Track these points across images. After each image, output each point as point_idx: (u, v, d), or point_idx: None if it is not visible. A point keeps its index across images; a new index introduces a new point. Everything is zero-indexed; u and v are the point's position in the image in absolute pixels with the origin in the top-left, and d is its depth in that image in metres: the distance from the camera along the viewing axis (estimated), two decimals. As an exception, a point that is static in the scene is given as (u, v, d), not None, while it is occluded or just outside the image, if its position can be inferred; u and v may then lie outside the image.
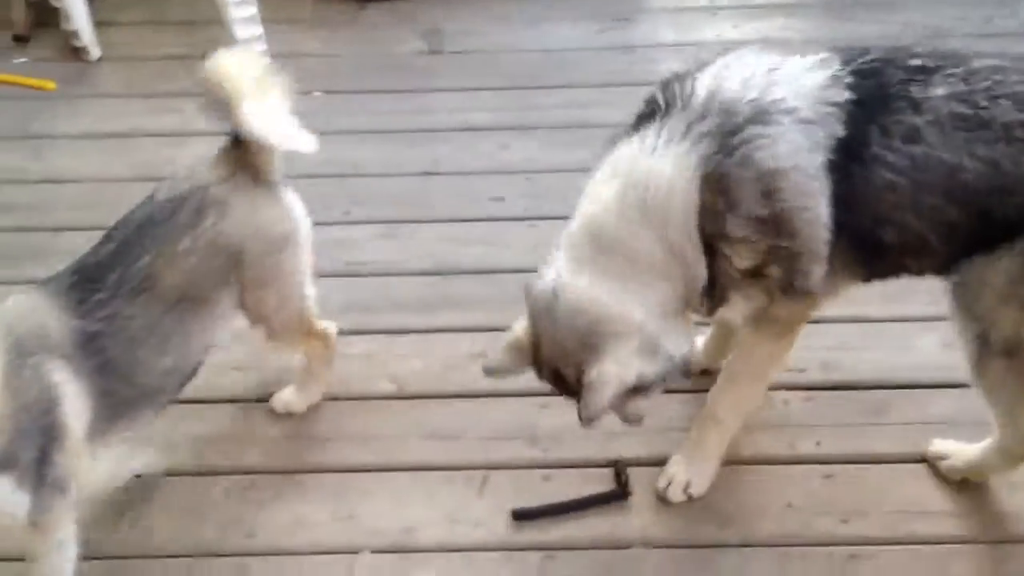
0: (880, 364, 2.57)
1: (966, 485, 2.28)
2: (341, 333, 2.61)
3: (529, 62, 3.77)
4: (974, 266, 1.94)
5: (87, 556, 2.08)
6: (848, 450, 2.38)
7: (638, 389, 1.94)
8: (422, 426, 2.48)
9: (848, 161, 1.88)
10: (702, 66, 1.96)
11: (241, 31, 3.65)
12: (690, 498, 2.29)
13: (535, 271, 2.80)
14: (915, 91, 1.87)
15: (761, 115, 1.86)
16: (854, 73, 1.90)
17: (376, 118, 3.52)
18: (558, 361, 1.97)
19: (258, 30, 3.69)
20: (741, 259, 1.91)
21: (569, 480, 2.32)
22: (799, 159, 1.87)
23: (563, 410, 2.44)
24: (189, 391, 2.46)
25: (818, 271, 1.95)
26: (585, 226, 1.95)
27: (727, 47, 2.01)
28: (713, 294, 1.97)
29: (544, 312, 1.96)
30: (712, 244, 1.90)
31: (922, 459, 2.34)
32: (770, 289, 1.97)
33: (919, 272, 2.04)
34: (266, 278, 2.20)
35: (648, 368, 1.92)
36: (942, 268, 1.99)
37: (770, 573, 2.16)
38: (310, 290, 2.34)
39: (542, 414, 2.48)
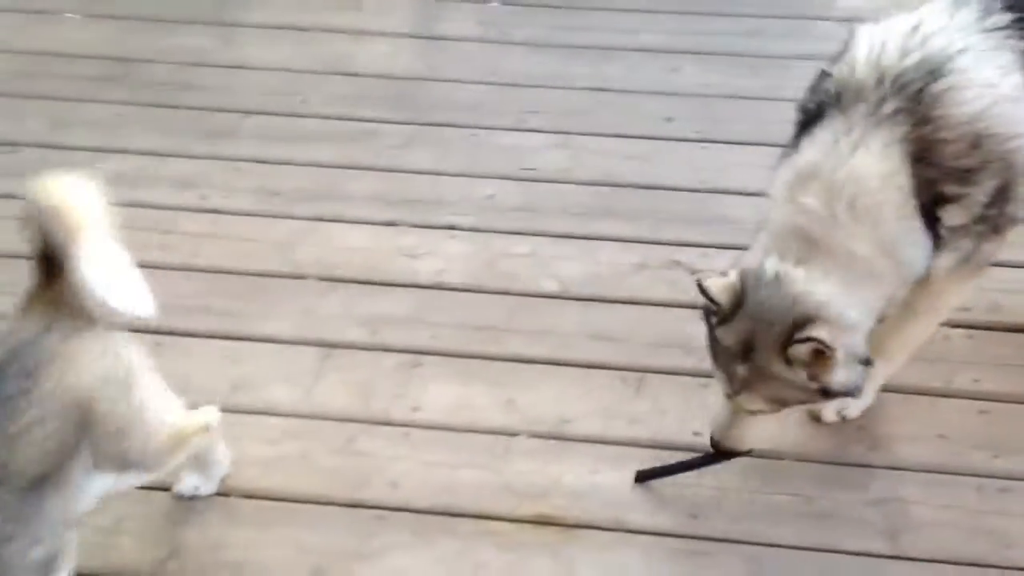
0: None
1: None
2: (508, 232, 2.74)
3: None
4: None
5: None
6: (1006, 388, 2.39)
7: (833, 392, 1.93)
8: (583, 326, 2.57)
9: None
10: (843, 56, 1.94)
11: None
12: (843, 420, 2.34)
13: (701, 191, 2.93)
14: None
15: (937, 70, 1.83)
16: None
17: (551, 32, 3.59)
18: (756, 339, 1.91)
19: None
20: (957, 217, 1.89)
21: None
22: (993, 93, 1.85)
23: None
24: (365, 272, 2.64)
25: None
26: (793, 233, 1.90)
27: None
28: None
29: (760, 291, 1.90)
30: (930, 215, 1.87)
31: None
32: (982, 233, 1.95)
33: None
34: (125, 425, 1.82)
35: (848, 375, 1.90)
36: None
37: (917, 497, 2.20)
38: (167, 403, 1.94)
39: (699, 326, 2.53)
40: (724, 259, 2.68)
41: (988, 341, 2.50)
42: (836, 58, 1.96)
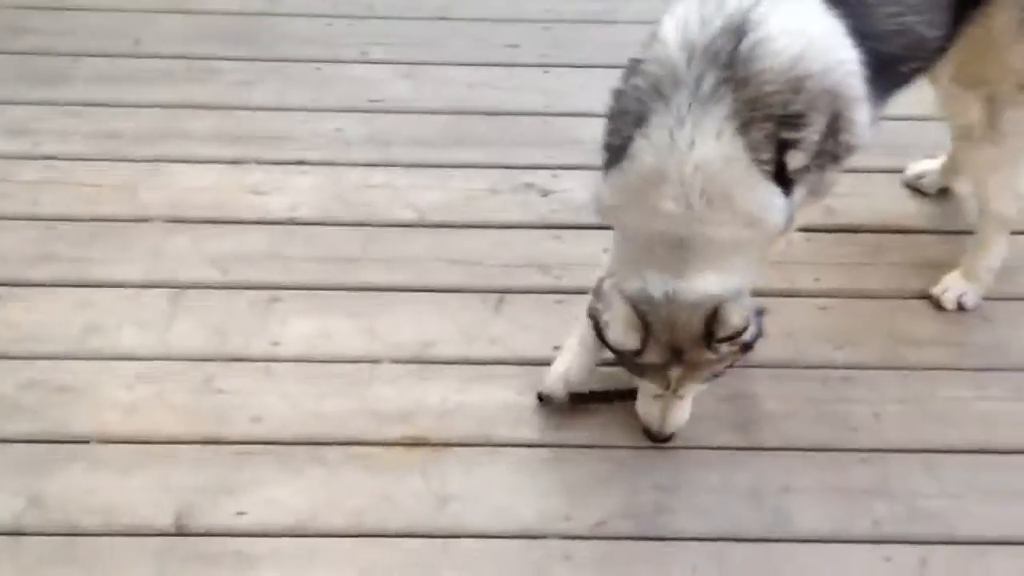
0: (879, 211, 2.69)
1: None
2: (360, 165, 2.74)
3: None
4: (971, 38, 2.08)
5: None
6: (843, 285, 2.52)
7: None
8: (441, 252, 2.59)
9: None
10: (651, 45, 1.93)
11: None
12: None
13: (548, 114, 2.97)
14: None
15: (740, 29, 1.84)
16: None
17: (390, -38, 3.54)
18: (681, 347, 1.98)
19: None
20: (799, 159, 1.94)
21: (582, 304, 2.44)
22: (801, 36, 1.88)
23: (574, 241, 2.60)
24: (213, 212, 2.59)
25: (864, 117, 2.01)
26: (660, 242, 1.92)
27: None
28: None
29: (660, 312, 1.94)
30: (778, 167, 1.92)
31: (913, 296, 2.49)
32: (823, 165, 2.02)
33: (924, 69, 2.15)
34: None
35: (754, 328, 2.01)
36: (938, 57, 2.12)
37: (767, 391, 2.31)
38: None
39: (555, 244, 2.61)
40: (573, 179, 2.75)
41: (825, 243, 2.61)
42: (645, 48, 1.95)
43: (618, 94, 1.98)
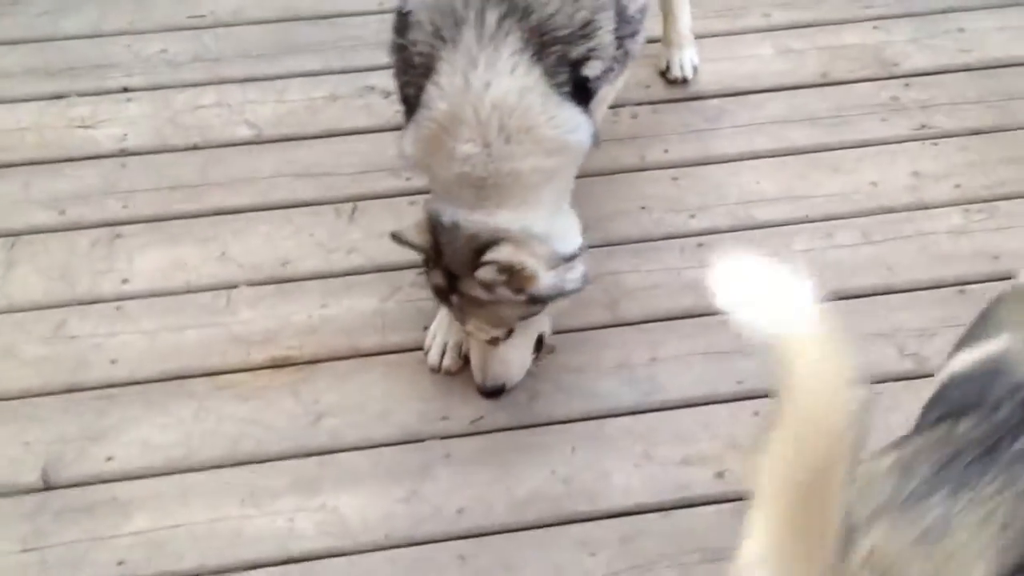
0: (718, 75, 2.70)
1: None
2: (189, 85, 2.62)
3: None
4: None
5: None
6: (691, 154, 2.54)
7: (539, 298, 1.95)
8: (285, 166, 2.51)
9: None
10: None
11: None
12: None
13: (382, 12, 2.86)
14: None
15: None
16: None
17: None
18: (456, 274, 1.94)
19: None
20: (598, 66, 1.92)
21: (435, 202, 2.42)
22: None
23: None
24: (39, 152, 2.46)
25: None
26: (459, 182, 1.88)
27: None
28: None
29: (444, 236, 1.92)
30: (578, 81, 1.90)
31: (757, 156, 2.53)
32: (620, 57, 2.02)
33: None
34: None
35: (555, 278, 1.93)
36: None
37: (628, 267, 2.33)
38: None
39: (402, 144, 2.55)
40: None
41: (671, 113, 2.62)
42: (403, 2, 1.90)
43: (398, 48, 1.93)
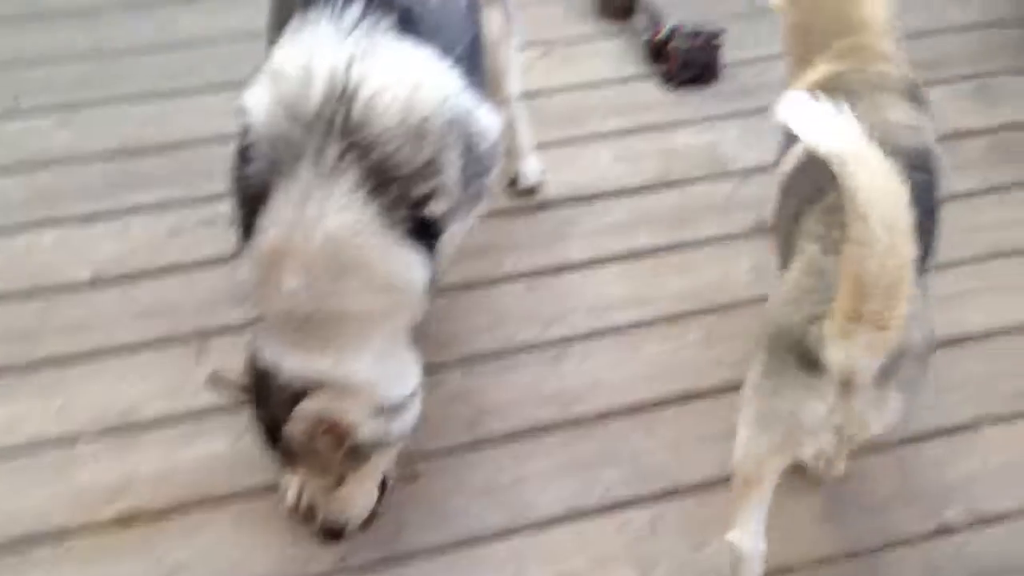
0: (564, 183, 2.74)
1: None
2: (26, 226, 2.55)
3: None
4: None
5: None
6: (544, 263, 2.56)
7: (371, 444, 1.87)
8: (128, 306, 2.44)
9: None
10: (249, 128, 1.84)
11: None
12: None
13: (228, 137, 2.83)
14: None
15: (345, 93, 1.75)
16: None
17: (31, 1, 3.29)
18: (274, 426, 1.86)
19: None
20: (443, 204, 1.88)
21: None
22: (404, 80, 1.80)
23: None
24: None
25: (490, 119, 2.00)
26: (284, 319, 1.82)
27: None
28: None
29: (259, 383, 1.86)
30: (419, 222, 1.85)
31: (608, 260, 2.57)
32: (473, 195, 1.99)
33: None
34: None
35: (379, 427, 1.86)
36: None
37: (489, 382, 2.32)
38: None
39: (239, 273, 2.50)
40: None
41: (521, 223, 2.65)
42: (244, 134, 1.86)
43: (238, 181, 1.87)
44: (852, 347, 1.54)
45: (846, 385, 1.61)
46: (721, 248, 2.58)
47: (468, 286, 2.50)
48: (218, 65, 3.06)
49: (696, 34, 3.02)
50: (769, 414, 1.70)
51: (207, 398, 2.22)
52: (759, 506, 1.77)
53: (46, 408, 2.22)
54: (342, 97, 1.74)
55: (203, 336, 2.37)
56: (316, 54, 1.77)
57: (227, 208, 2.58)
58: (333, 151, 1.75)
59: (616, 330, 2.42)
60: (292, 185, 1.76)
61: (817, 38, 1.95)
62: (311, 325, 1.80)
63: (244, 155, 1.85)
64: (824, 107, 1.47)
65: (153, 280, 2.50)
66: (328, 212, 1.75)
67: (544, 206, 2.69)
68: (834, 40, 1.92)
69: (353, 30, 1.79)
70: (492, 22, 2.31)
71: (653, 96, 3.00)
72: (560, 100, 2.94)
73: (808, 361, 1.61)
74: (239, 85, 2.92)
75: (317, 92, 1.75)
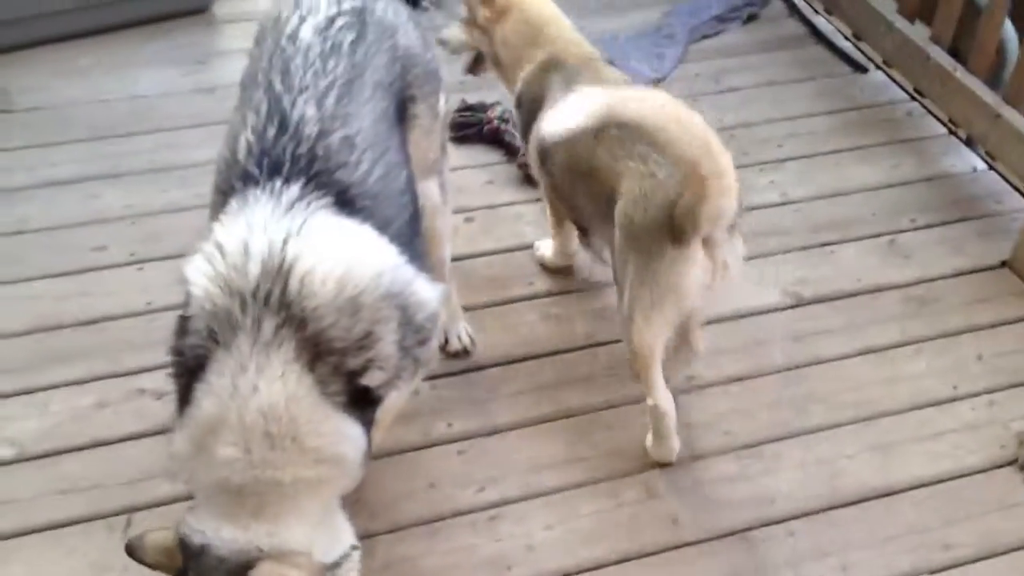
0: (494, 345, 2.78)
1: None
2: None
3: (113, 111, 3.67)
4: None
5: None
6: (475, 425, 2.57)
7: None
8: (50, 484, 2.38)
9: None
10: (188, 302, 1.86)
11: None
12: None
13: (150, 312, 2.83)
14: None
15: (281, 269, 1.78)
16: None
17: (-48, 179, 3.28)
18: None
19: None
20: (379, 376, 1.88)
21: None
22: (338, 256, 1.83)
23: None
24: None
25: (427, 290, 2.01)
26: (217, 489, 1.80)
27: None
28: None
29: (195, 561, 1.79)
30: (355, 393, 1.85)
31: (540, 420, 2.58)
32: (409, 365, 1.98)
33: None
34: None
35: None
36: None
37: (422, 550, 2.29)
38: None
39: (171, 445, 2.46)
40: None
41: (452, 387, 2.66)
42: (184, 306, 1.88)
43: (176, 352, 1.87)
44: (716, 200, 2.09)
45: (708, 243, 2.21)
46: (649, 406, 2.62)
47: (399, 451, 2.50)
48: (139, 240, 3.09)
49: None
50: (657, 296, 2.24)
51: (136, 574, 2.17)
52: (658, 372, 2.34)
53: (-38, 596, 2.13)
54: (279, 273, 1.77)
55: (130, 512, 2.32)
56: (255, 230, 1.81)
57: (152, 382, 2.62)
58: (269, 324, 1.77)
59: (552, 491, 2.43)
60: (229, 356, 1.77)
61: (523, 51, 2.70)
62: (246, 494, 1.77)
63: (183, 327, 1.86)
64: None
65: (77, 456, 2.45)
66: (263, 382, 1.76)
67: (476, 368, 2.72)
68: (535, 47, 2.68)
69: (291, 208, 1.84)
70: (429, 193, 2.39)
71: (578, 257, 3.08)
72: (486, 264, 3.01)
73: (672, 241, 2.19)
74: (160, 260, 3.02)
75: (255, 267, 1.78)
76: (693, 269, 2.21)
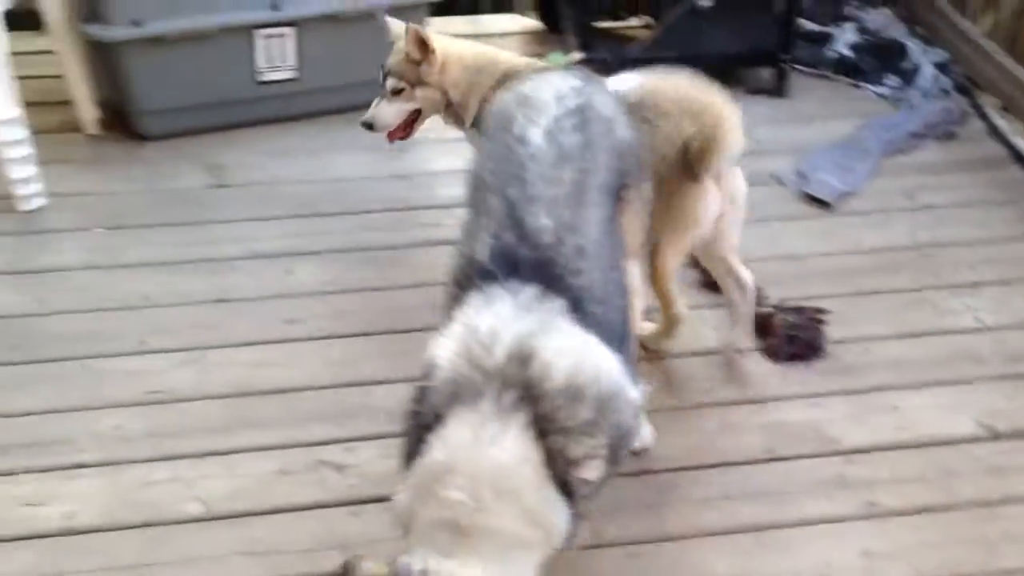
0: (667, 448, 2.76)
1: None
2: (142, 461, 2.62)
3: (312, 191, 3.88)
4: None
5: None
6: (645, 531, 2.55)
7: None
8: (233, 544, 2.46)
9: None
10: (433, 375, 1.99)
11: (15, 171, 3.59)
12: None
13: (334, 386, 2.94)
14: None
15: (525, 356, 1.92)
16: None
17: (163, 250, 3.50)
18: None
19: (32, 169, 3.63)
20: (595, 470, 1.97)
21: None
22: (574, 351, 1.97)
23: (376, 516, 2.53)
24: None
25: (635, 394, 2.12)
26: (440, 526, 1.91)
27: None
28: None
29: None
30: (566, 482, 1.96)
31: (710, 532, 2.54)
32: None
33: None
34: None
35: None
36: None
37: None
38: None
39: (354, 523, 2.53)
40: (368, 450, 2.73)
41: (627, 488, 2.63)
42: (429, 378, 2.01)
43: (415, 414, 2.01)
44: (724, 139, 2.61)
45: (716, 177, 2.70)
46: (829, 530, 2.54)
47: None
48: (328, 316, 3.23)
49: (800, 310, 3.12)
50: (681, 224, 2.73)
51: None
52: (676, 286, 2.92)
53: (149, 643, 2.22)
54: (521, 357, 1.92)
55: (305, 581, 2.38)
56: (502, 320, 1.97)
57: (333, 454, 2.71)
58: (510, 396, 1.90)
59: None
60: (471, 413, 1.91)
61: (475, 80, 3.11)
62: (465, 535, 1.87)
63: (422, 395, 2.00)
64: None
65: (259, 519, 2.53)
66: (500, 439, 1.89)
67: (648, 471, 2.70)
68: (484, 74, 3.09)
69: (531, 307, 1.98)
70: (630, 275, 2.45)
71: (757, 369, 3.06)
72: (666, 366, 3.00)
73: (688, 176, 2.67)
74: (347, 337, 3.14)
75: (500, 350, 1.93)
76: (707, 199, 2.70)
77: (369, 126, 3.24)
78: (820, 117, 4.36)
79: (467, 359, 1.95)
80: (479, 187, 2.20)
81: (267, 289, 3.35)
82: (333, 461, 2.70)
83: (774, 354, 3.07)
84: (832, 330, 3.14)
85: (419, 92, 3.16)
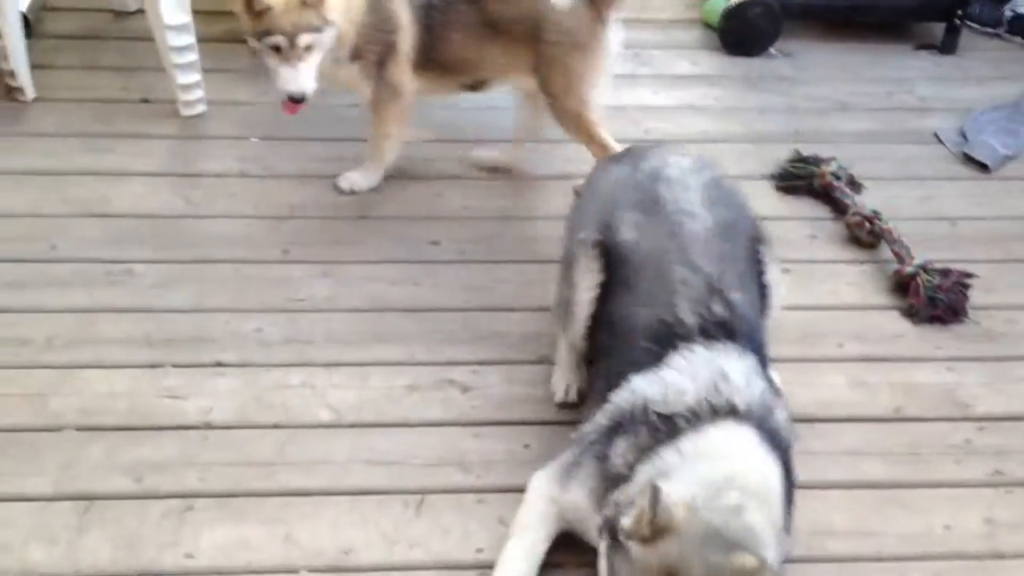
0: (792, 400, 2.69)
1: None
2: (278, 365, 2.73)
3: (459, 118, 3.89)
4: None
5: None
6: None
7: None
8: (359, 453, 2.56)
9: None
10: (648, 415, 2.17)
11: (181, 77, 3.72)
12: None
13: (467, 309, 2.99)
14: None
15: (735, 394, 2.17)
16: None
17: (312, 163, 3.59)
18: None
19: (196, 76, 3.77)
20: None
21: (503, 503, 2.42)
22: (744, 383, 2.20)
23: (495, 438, 2.59)
24: (127, 418, 2.54)
25: None
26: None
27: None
28: None
29: (715, 518, 1.92)
30: None
31: (832, 486, 2.52)
32: None
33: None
34: None
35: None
36: None
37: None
38: None
39: (474, 443, 2.60)
40: (494, 374, 2.78)
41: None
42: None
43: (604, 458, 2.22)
44: None
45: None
46: (953, 494, 2.50)
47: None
48: (469, 240, 3.28)
49: (946, 272, 3.03)
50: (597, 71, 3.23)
51: (420, 553, 2.33)
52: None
53: (272, 536, 2.34)
54: (734, 392, 2.17)
55: (424, 493, 2.46)
56: (728, 367, 2.21)
57: (460, 375, 2.77)
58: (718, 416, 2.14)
59: (833, 559, 2.36)
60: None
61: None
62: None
63: (615, 430, 2.23)
64: None
65: (385, 431, 2.62)
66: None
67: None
68: None
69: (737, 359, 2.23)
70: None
71: (893, 328, 2.98)
72: (798, 319, 2.96)
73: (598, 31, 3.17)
74: (483, 263, 3.18)
75: (725, 386, 2.18)
76: (610, 49, 3.18)
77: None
78: (989, 78, 4.16)
79: (666, 400, 2.17)
80: (657, 258, 2.38)
81: (410, 209, 3.41)
82: (460, 382, 2.77)
83: (914, 314, 2.99)
84: (977, 296, 3.04)
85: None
